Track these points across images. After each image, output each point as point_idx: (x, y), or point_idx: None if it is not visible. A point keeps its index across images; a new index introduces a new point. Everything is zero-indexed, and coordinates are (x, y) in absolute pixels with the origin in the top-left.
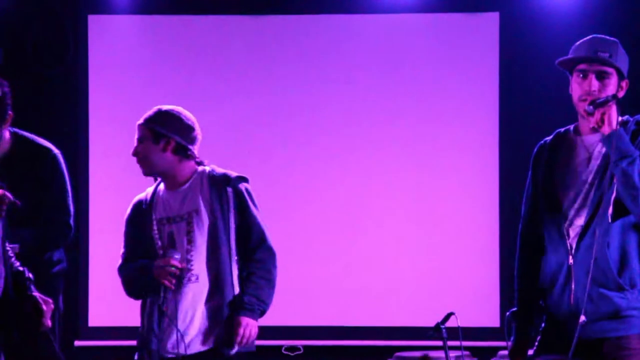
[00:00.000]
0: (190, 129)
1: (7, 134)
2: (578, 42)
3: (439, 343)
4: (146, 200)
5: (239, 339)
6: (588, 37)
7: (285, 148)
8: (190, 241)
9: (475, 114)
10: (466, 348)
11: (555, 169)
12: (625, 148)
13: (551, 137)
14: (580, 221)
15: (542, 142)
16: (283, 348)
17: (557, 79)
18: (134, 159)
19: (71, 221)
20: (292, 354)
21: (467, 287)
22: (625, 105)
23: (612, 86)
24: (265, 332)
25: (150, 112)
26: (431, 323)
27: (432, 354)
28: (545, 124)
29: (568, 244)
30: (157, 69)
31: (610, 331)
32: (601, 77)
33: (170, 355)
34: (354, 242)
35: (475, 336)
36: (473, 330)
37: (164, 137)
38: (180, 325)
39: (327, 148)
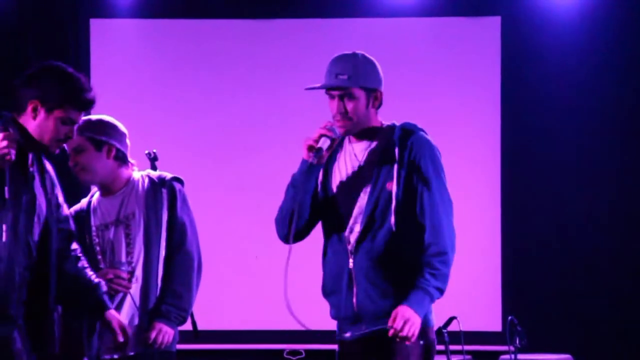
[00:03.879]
0: (125, 135)
1: None
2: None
3: (441, 347)
4: (83, 209)
5: (150, 342)
6: (332, 60)
7: (286, 151)
8: (130, 244)
9: (477, 118)
10: (468, 352)
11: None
12: None
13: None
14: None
15: None
16: (285, 352)
17: (559, 82)
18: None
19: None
20: (294, 358)
21: (469, 291)
22: (631, 105)
23: (360, 103)
24: (267, 336)
25: (83, 123)
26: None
27: (435, 358)
28: (547, 126)
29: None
30: (159, 72)
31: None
32: (346, 98)
33: (108, 357)
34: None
35: (477, 340)
36: (475, 334)
37: (105, 144)
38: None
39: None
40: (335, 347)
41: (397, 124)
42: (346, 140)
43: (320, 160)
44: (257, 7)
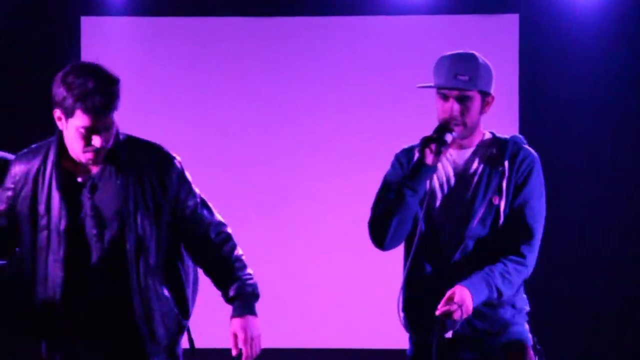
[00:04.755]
0: None
1: None
2: (438, 60)
3: None
4: None
5: None
6: (448, 57)
7: (284, 151)
8: None
9: (494, 116)
10: None
11: None
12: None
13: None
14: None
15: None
16: None
17: (577, 80)
18: None
19: None
20: None
21: None
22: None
23: (474, 107)
24: (270, 354)
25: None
26: None
27: None
28: (566, 125)
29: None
30: (151, 71)
31: None
32: (462, 100)
33: None
34: (362, 263)
35: None
36: None
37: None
38: None
39: (336, 157)
40: None
41: (497, 133)
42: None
43: (435, 162)
44: (251, 5)
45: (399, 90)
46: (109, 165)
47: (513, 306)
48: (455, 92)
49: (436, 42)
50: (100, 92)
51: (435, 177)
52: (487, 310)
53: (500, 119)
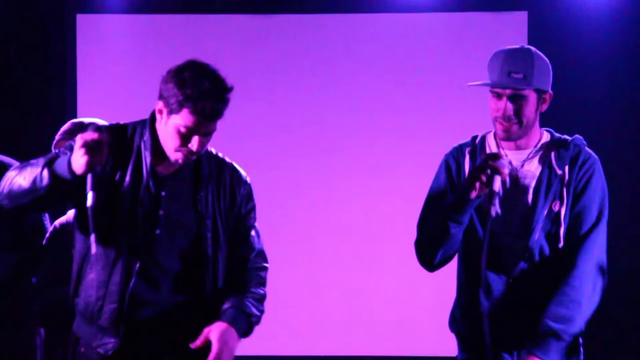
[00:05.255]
0: None
1: None
2: (492, 56)
3: None
4: (69, 221)
5: None
6: (502, 54)
7: (286, 150)
8: None
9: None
10: None
11: None
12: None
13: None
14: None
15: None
16: None
17: (587, 79)
18: None
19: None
20: None
21: None
22: None
23: (529, 106)
24: None
25: (74, 126)
26: (453, 352)
27: None
28: (576, 123)
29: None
30: (147, 68)
31: None
32: (516, 99)
33: None
34: (374, 270)
35: None
36: None
37: None
38: None
39: (334, 155)
40: None
41: (556, 133)
42: (501, 146)
43: (480, 195)
44: (251, 2)
45: (408, 88)
46: (187, 170)
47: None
48: (508, 91)
49: (444, 39)
50: (213, 96)
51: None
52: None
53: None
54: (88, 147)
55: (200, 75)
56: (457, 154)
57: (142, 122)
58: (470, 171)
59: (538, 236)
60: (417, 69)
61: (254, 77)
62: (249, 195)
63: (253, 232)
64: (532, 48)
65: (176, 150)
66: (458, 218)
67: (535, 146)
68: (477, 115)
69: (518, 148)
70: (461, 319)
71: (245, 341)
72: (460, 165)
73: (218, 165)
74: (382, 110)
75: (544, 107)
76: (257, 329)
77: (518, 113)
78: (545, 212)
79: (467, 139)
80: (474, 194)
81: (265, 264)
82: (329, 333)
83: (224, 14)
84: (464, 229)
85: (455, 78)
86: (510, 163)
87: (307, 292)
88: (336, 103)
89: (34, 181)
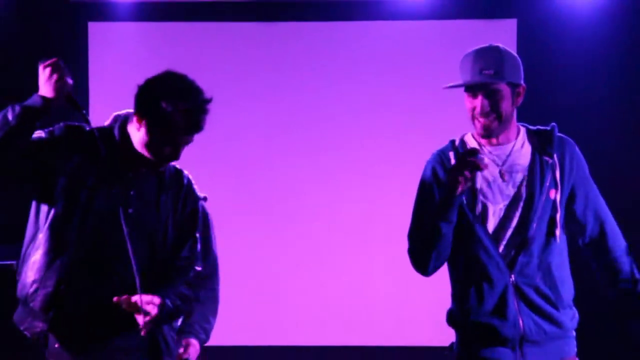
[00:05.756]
0: None
1: None
2: (462, 58)
3: None
4: None
5: (183, 357)
6: (471, 54)
7: (292, 156)
8: None
9: None
10: None
11: None
12: None
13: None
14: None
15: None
16: None
17: (574, 84)
18: None
19: None
20: None
21: None
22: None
23: (505, 100)
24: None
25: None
26: (445, 342)
27: None
28: (565, 130)
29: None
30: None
31: None
32: (490, 95)
33: None
34: (367, 262)
35: None
36: None
37: None
38: None
39: (334, 159)
40: None
41: (530, 126)
42: (482, 143)
43: (465, 190)
44: (256, 10)
45: (398, 93)
46: (153, 176)
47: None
48: (481, 89)
49: (434, 46)
50: (193, 110)
51: (480, 176)
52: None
53: None
54: (52, 67)
55: (179, 89)
56: (440, 159)
57: (110, 127)
58: (450, 169)
59: (537, 226)
60: (406, 75)
61: (258, 81)
62: (196, 204)
63: (196, 237)
64: (500, 45)
65: (160, 159)
66: (447, 217)
67: (516, 140)
68: (464, 118)
69: (499, 144)
70: (465, 316)
71: (250, 330)
72: (447, 170)
73: (177, 174)
74: (376, 112)
75: (519, 100)
76: (261, 320)
77: (495, 108)
78: (543, 201)
79: (445, 144)
80: (459, 190)
81: (198, 268)
82: (331, 324)
83: (231, 22)
84: (453, 227)
85: (445, 84)
86: (497, 157)
87: (308, 285)
88: (333, 104)
89: (4, 116)
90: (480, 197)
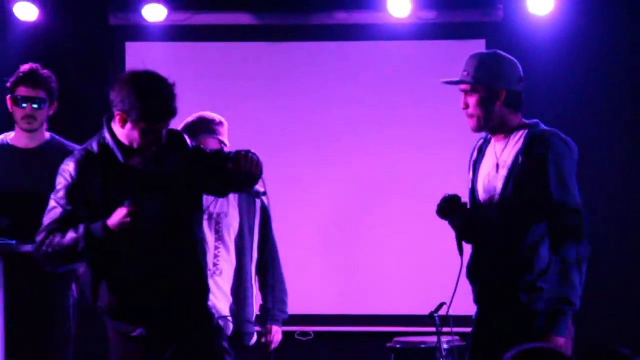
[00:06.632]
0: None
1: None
2: None
3: (433, 329)
4: None
5: (271, 344)
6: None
7: (287, 150)
8: (219, 239)
9: (464, 135)
10: (456, 333)
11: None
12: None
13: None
14: None
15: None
16: (296, 334)
17: (540, 101)
18: None
19: None
20: (303, 339)
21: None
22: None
23: (479, 100)
24: None
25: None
26: (426, 311)
27: (427, 338)
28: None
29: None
30: (187, 89)
31: None
32: (467, 94)
33: None
34: (360, 242)
35: (463, 323)
36: (462, 317)
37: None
38: None
39: (326, 152)
40: (337, 328)
41: (527, 120)
42: (493, 139)
43: None
44: (274, 31)
45: (372, 106)
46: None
47: None
48: (462, 87)
49: (411, 64)
50: (161, 99)
51: (482, 165)
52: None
53: (469, 137)
54: (131, 214)
55: (151, 86)
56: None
57: (97, 135)
58: (437, 210)
59: (508, 217)
60: (382, 93)
61: (287, 97)
62: (189, 145)
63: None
64: (497, 52)
65: (147, 145)
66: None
67: (510, 138)
68: (437, 131)
69: (502, 139)
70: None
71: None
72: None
73: (168, 140)
74: (356, 125)
75: (499, 102)
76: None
77: (472, 106)
78: (510, 194)
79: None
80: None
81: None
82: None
83: (257, 42)
84: None
85: (418, 102)
86: (496, 151)
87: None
88: (316, 120)
89: (74, 247)
90: (478, 187)
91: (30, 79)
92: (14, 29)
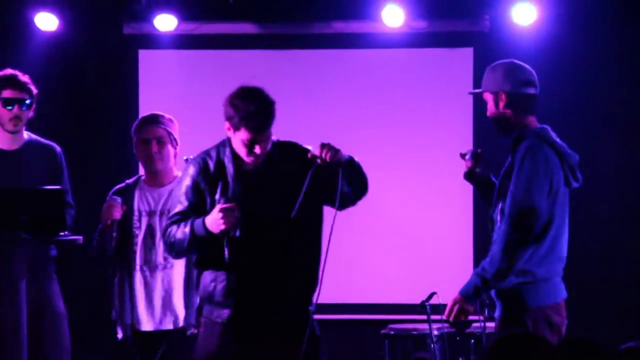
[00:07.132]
0: None
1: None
2: None
3: (424, 317)
4: (123, 189)
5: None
6: None
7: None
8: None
9: (451, 141)
10: (445, 321)
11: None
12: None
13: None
14: None
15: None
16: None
17: None
18: None
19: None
20: None
21: (447, 270)
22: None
23: (490, 106)
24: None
25: (167, 118)
26: (418, 300)
27: (418, 326)
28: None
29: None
30: (199, 94)
31: None
32: (486, 102)
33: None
34: (357, 236)
35: None
36: None
37: (175, 141)
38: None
39: None
40: (334, 317)
41: (550, 131)
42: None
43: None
44: (276, 39)
45: (368, 109)
46: (265, 162)
47: None
48: (483, 96)
49: (401, 71)
50: (260, 113)
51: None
52: None
53: (454, 145)
54: (226, 213)
55: (247, 99)
56: None
57: (222, 142)
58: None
59: (496, 209)
60: (371, 100)
61: (296, 104)
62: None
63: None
64: (509, 60)
65: (247, 156)
66: None
67: (513, 140)
68: (426, 136)
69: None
70: None
71: None
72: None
73: (286, 149)
74: (350, 130)
75: (502, 105)
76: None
77: (488, 112)
78: (503, 194)
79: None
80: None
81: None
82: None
83: (266, 50)
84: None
85: (407, 107)
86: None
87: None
88: (311, 127)
89: (182, 241)
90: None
91: (14, 82)
92: (35, 39)
